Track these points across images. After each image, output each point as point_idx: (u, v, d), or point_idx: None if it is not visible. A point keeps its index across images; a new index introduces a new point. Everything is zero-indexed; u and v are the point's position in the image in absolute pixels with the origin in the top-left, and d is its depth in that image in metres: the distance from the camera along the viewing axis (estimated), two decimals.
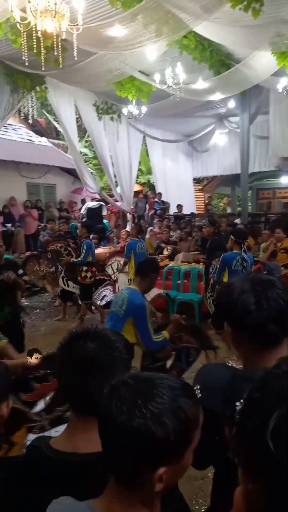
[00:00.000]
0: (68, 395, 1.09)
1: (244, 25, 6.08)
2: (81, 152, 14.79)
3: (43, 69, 5.91)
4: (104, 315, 6.72)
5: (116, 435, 0.76)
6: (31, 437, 1.72)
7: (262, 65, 7.95)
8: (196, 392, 1.15)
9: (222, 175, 16.71)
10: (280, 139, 11.02)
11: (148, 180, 17.58)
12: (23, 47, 5.05)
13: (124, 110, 10.35)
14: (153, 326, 3.11)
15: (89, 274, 6.58)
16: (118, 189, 12.63)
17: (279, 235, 7.54)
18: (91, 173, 13.03)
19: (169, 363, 3.12)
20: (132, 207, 13.45)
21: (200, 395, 1.15)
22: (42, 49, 4.93)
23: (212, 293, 5.76)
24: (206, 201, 15.83)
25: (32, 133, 15.80)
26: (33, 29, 4.48)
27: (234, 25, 6.22)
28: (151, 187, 16.06)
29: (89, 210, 12.56)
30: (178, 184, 15.43)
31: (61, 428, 1.20)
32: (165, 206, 13.83)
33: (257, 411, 0.56)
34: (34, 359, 2.10)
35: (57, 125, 16.21)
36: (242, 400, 0.78)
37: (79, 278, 6.56)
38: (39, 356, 2.13)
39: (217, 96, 9.59)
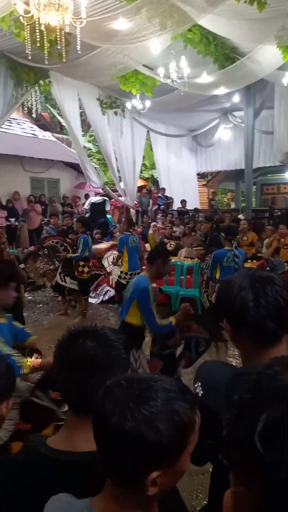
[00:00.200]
0: (66, 393, 1.09)
1: (249, 19, 6.02)
2: (85, 147, 14.75)
3: (46, 63, 5.89)
4: (86, 307, 6.86)
5: (109, 438, 0.76)
6: None
7: (267, 59, 7.87)
8: (197, 390, 1.15)
9: (226, 170, 16.64)
10: (285, 134, 10.91)
11: (152, 175, 17.53)
12: (26, 41, 5.02)
13: (128, 105, 10.30)
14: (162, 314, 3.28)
15: (86, 269, 6.60)
16: (122, 184, 12.61)
17: (283, 231, 7.52)
18: (95, 168, 13.01)
19: (178, 351, 3.20)
20: (136, 202, 13.42)
21: (201, 392, 1.14)
22: (45, 42, 4.90)
23: (206, 289, 5.78)
24: (210, 197, 15.76)
25: (36, 127, 15.77)
26: (37, 22, 4.45)
27: (239, 19, 6.16)
28: (155, 182, 16.02)
29: (93, 205, 12.55)
30: (182, 179, 15.37)
31: None
32: (168, 201, 13.79)
33: (247, 412, 0.55)
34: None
35: (61, 120, 16.18)
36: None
37: (76, 273, 6.57)
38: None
39: (221, 91, 9.51)
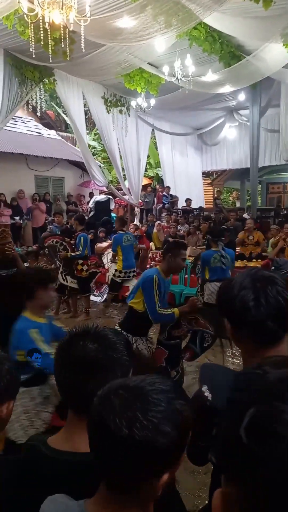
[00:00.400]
0: (67, 394, 1.08)
1: (255, 16, 5.98)
2: (89, 145, 14.76)
3: (50, 61, 5.89)
4: (88, 305, 6.95)
5: (115, 448, 0.73)
6: None
7: (273, 57, 7.82)
8: (206, 394, 1.14)
9: (232, 169, 16.59)
10: None
11: (157, 174, 17.50)
12: (30, 39, 5.03)
13: (133, 103, 10.30)
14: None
15: (85, 268, 6.62)
16: (126, 183, 12.60)
17: None
18: (100, 166, 13.01)
19: (184, 343, 3.29)
20: (140, 201, 13.41)
21: (210, 395, 1.13)
22: (50, 41, 4.90)
23: (201, 291, 5.85)
24: (215, 195, 15.72)
25: (41, 125, 15.80)
26: (41, 20, 4.45)
27: (245, 16, 6.12)
28: (160, 180, 15.99)
29: (97, 203, 12.55)
30: (187, 178, 15.35)
31: None
32: (173, 200, 13.77)
33: (234, 410, 0.55)
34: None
35: (66, 118, 16.20)
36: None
37: (76, 272, 6.58)
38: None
39: (227, 89, 9.47)
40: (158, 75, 8.74)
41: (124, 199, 13.00)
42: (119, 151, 11.83)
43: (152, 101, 9.94)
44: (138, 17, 5.86)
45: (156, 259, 8.59)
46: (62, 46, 5.13)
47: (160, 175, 16.34)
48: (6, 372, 1.20)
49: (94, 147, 17.72)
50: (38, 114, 15.23)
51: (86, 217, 12.02)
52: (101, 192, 14.46)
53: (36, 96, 9.07)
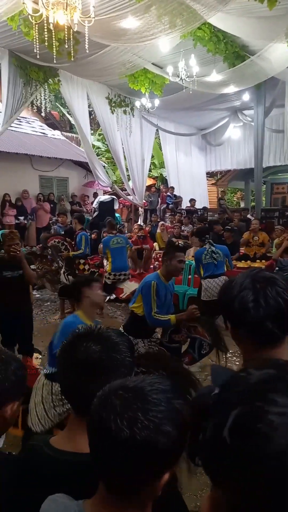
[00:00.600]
0: (69, 395, 1.09)
1: (260, 16, 5.96)
2: (94, 146, 14.77)
3: (55, 61, 5.90)
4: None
5: (117, 450, 0.73)
6: None
7: (278, 57, 7.79)
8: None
9: (236, 169, 16.54)
10: None
11: (161, 174, 17.49)
12: (35, 40, 5.04)
13: (137, 103, 10.30)
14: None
15: (86, 267, 6.67)
16: (130, 183, 12.60)
17: None
18: (104, 166, 13.02)
19: (183, 347, 3.41)
20: (144, 201, 13.41)
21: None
22: (54, 41, 4.91)
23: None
24: (219, 196, 15.68)
25: (45, 126, 15.84)
26: (45, 21, 4.46)
27: (249, 16, 6.10)
28: (164, 181, 15.98)
29: (101, 203, 12.56)
30: (191, 178, 15.32)
31: None
32: (177, 200, 13.75)
33: (218, 412, 0.56)
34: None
35: (70, 118, 16.21)
36: None
37: (78, 271, 6.60)
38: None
39: (231, 89, 9.45)
40: (162, 75, 8.73)
41: (128, 199, 13.00)
42: (123, 152, 11.83)
43: (156, 102, 9.93)
44: (143, 17, 5.86)
45: (160, 259, 8.59)
46: (67, 46, 5.14)
47: (164, 175, 16.33)
48: (11, 373, 1.19)
49: (98, 148, 17.74)
50: (43, 114, 15.27)
51: (90, 217, 12.05)
52: (105, 192, 14.46)
53: (41, 96, 9.10)
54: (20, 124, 13.72)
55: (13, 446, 2.84)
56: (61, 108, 17.70)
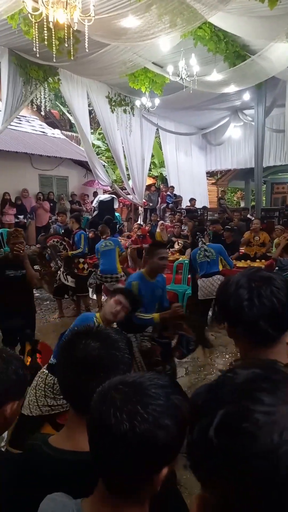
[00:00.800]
0: (69, 393, 1.09)
1: (260, 16, 5.95)
2: (94, 145, 14.75)
3: (55, 60, 5.88)
4: (87, 304, 7.03)
5: (117, 446, 0.73)
6: None
7: (279, 56, 7.77)
8: None
9: (236, 169, 16.55)
10: None
11: (161, 173, 17.49)
12: (35, 38, 5.02)
13: (137, 103, 10.28)
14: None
15: (86, 266, 6.67)
16: (130, 182, 12.59)
17: None
18: (104, 165, 13.00)
19: (173, 342, 3.52)
20: (144, 200, 13.41)
21: None
22: (54, 40, 4.89)
23: (194, 289, 5.92)
24: (219, 195, 15.69)
25: (45, 125, 15.82)
26: (45, 20, 4.45)
27: (250, 16, 6.08)
28: (164, 180, 15.98)
29: (101, 203, 12.56)
30: (191, 178, 15.32)
31: None
32: (177, 199, 13.75)
33: (204, 413, 0.55)
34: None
35: (70, 117, 16.20)
36: None
37: (77, 271, 6.59)
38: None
39: (232, 89, 9.44)
40: (163, 74, 8.72)
41: (128, 198, 12.99)
42: (123, 151, 11.82)
43: (157, 101, 9.92)
44: (143, 16, 5.84)
45: None
46: (67, 45, 5.13)
47: (164, 175, 16.33)
48: (12, 372, 1.19)
49: (98, 147, 17.73)
50: (43, 113, 15.21)
51: (90, 217, 12.05)
52: (105, 192, 14.46)
53: (41, 95, 9.08)
54: (20, 123, 13.71)
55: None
56: (61, 107, 17.68)
